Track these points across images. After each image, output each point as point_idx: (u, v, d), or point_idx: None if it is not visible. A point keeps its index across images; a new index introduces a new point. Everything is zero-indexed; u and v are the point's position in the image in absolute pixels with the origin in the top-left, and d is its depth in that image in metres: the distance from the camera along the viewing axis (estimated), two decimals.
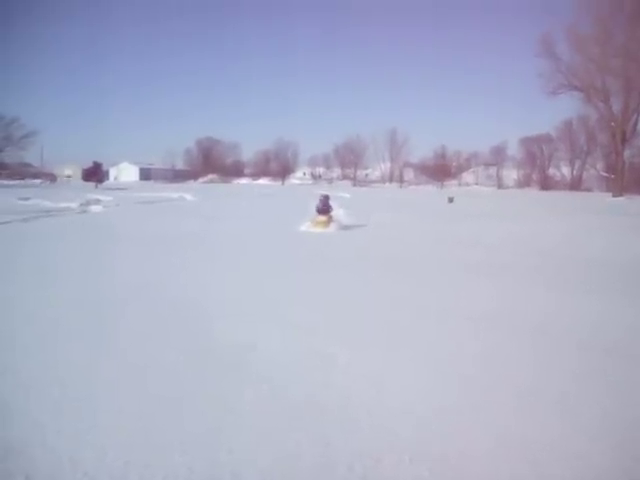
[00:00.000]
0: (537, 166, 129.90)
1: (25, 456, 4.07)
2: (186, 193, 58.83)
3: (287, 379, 5.56)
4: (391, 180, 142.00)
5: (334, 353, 6.35)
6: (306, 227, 21.81)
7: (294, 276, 11.79)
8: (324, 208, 22.88)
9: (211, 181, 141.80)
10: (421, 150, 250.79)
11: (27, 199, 43.21)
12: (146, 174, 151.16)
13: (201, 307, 8.73)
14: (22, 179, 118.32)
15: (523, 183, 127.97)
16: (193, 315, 8.19)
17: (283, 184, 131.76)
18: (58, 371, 5.70)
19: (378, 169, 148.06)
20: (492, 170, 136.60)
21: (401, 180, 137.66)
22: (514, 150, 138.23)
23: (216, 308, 8.69)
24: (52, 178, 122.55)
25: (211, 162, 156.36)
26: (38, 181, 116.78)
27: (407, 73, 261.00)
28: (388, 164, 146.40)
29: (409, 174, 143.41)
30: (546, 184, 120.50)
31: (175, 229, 21.80)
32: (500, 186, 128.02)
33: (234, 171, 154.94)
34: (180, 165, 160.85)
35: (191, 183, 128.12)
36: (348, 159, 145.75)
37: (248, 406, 4.96)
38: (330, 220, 22.42)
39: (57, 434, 4.38)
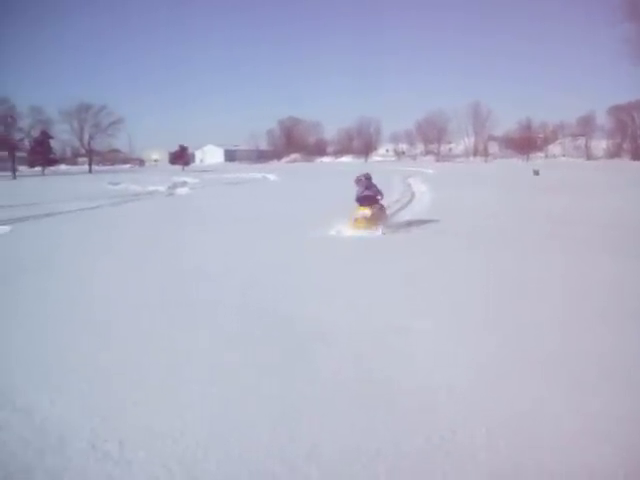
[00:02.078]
0: (628, 135, 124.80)
1: None
2: (269, 173, 59.36)
3: None
4: (475, 154, 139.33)
5: None
6: (337, 230, 14.37)
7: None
8: (366, 196, 14.99)
9: (294, 160, 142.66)
10: (505, 123, 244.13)
11: (117, 184, 44.49)
12: (231, 155, 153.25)
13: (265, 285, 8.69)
14: (112, 165, 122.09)
15: (613, 153, 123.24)
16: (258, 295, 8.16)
17: (366, 161, 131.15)
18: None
19: (462, 143, 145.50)
20: (580, 141, 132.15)
21: (485, 154, 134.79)
22: (603, 120, 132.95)
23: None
24: (140, 163, 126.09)
25: (293, 142, 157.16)
26: (127, 166, 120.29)
27: (489, 44, 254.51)
28: (472, 138, 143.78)
29: (493, 147, 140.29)
30: (638, 154, 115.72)
31: (259, 209, 21.94)
32: (589, 157, 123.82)
33: (317, 150, 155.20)
34: (263, 146, 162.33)
35: (274, 163, 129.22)
36: (431, 134, 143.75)
37: None
38: (379, 214, 14.89)
39: None
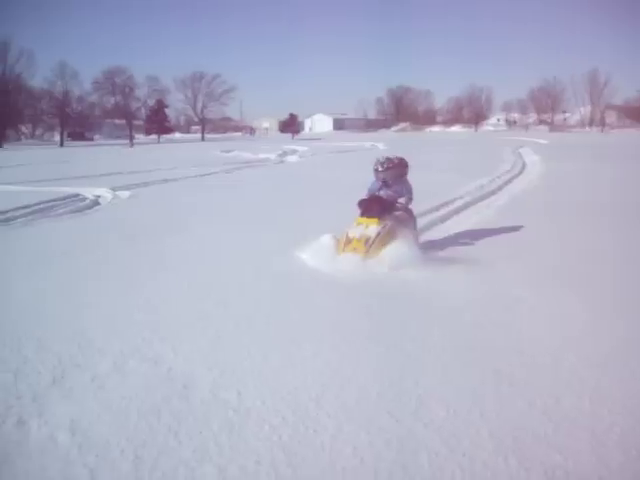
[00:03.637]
0: None
1: None
2: (378, 142, 59.12)
3: None
4: (591, 124, 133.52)
5: None
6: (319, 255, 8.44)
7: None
8: (377, 200, 9.05)
9: (403, 130, 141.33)
10: (625, 91, 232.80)
11: (229, 151, 45.54)
12: (339, 124, 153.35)
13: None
14: (224, 132, 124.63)
15: None
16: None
17: (476, 131, 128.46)
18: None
19: (577, 113, 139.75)
20: None
21: (602, 124, 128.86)
22: None
23: None
24: (251, 131, 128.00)
25: (403, 110, 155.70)
26: (238, 134, 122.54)
27: (609, 6, 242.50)
28: (588, 107, 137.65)
29: (611, 117, 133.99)
30: None
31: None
32: None
33: (426, 119, 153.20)
34: (372, 114, 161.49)
35: (383, 132, 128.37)
36: (545, 103, 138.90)
37: None
38: (394, 232, 8.54)
39: None
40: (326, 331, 5.64)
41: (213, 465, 3.57)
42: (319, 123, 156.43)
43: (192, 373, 4.79)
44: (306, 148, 48.70)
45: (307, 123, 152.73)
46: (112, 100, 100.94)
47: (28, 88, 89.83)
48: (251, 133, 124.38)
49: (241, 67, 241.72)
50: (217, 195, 17.76)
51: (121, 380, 4.72)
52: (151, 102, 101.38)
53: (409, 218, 9.26)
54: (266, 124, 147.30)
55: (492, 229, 11.25)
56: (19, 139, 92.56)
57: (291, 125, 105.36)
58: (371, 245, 8.27)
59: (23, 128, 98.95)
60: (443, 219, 12.61)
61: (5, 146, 74.10)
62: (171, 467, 3.56)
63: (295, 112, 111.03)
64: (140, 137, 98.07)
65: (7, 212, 14.46)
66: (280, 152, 42.13)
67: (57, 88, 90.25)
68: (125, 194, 18.27)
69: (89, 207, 16.13)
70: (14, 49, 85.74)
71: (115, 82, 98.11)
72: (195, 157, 38.45)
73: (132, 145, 77.03)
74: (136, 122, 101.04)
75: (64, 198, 17.19)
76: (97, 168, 28.56)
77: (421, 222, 11.40)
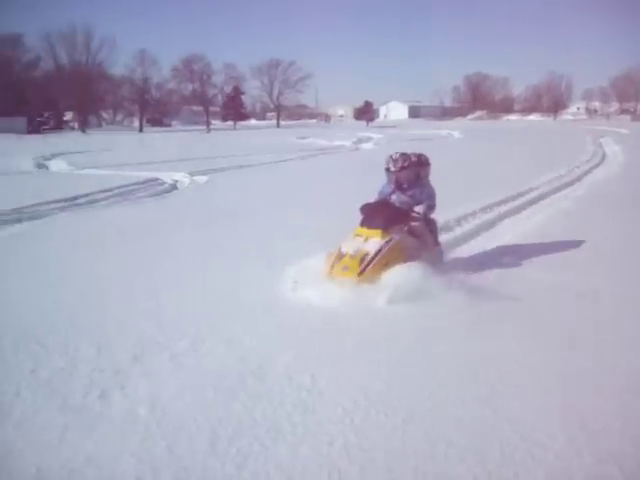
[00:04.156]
0: None
1: None
2: (454, 130, 58.44)
3: None
4: None
5: None
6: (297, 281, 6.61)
7: None
8: (386, 207, 7.31)
9: (479, 118, 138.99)
10: None
11: (304, 138, 45.78)
12: (415, 112, 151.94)
13: None
14: (299, 119, 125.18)
15: None
16: None
17: (555, 120, 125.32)
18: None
19: None
20: None
21: None
22: None
23: None
24: (326, 118, 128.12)
25: (479, 98, 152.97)
26: (313, 121, 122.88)
27: None
28: None
29: None
30: None
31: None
32: None
33: (503, 107, 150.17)
34: (448, 102, 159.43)
35: (459, 120, 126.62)
36: (628, 91, 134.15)
37: None
38: (403, 251, 6.79)
39: None
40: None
41: (286, 444, 3.68)
42: (394, 110, 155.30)
43: (268, 355, 4.91)
44: (381, 136, 48.57)
45: (382, 110, 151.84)
46: (190, 87, 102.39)
47: (109, 75, 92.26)
48: (326, 120, 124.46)
49: (317, 54, 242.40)
50: (290, 181, 17.94)
51: (198, 359, 4.90)
52: (228, 89, 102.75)
53: (426, 232, 7.39)
54: (341, 111, 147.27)
55: (568, 230, 10.07)
56: (100, 125, 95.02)
57: (366, 112, 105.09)
58: (368, 265, 6.46)
59: (104, 114, 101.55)
60: (511, 212, 12.10)
61: (88, 131, 76.30)
62: (246, 444, 3.68)
63: (370, 99, 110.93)
64: (216, 123, 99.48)
65: (90, 195, 14.99)
66: (355, 139, 42.14)
67: (137, 75, 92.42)
68: (202, 179, 18.66)
69: (167, 191, 16.56)
70: (97, 38, 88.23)
71: (193, 69, 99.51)
72: (270, 144, 38.82)
73: (209, 131, 78.30)
74: (213, 109, 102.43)
75: (144, 182, 17.69)
76: (175, 153, 29.20)
77: (488, 217, 11.24)
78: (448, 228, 10.00)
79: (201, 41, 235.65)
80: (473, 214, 11.40)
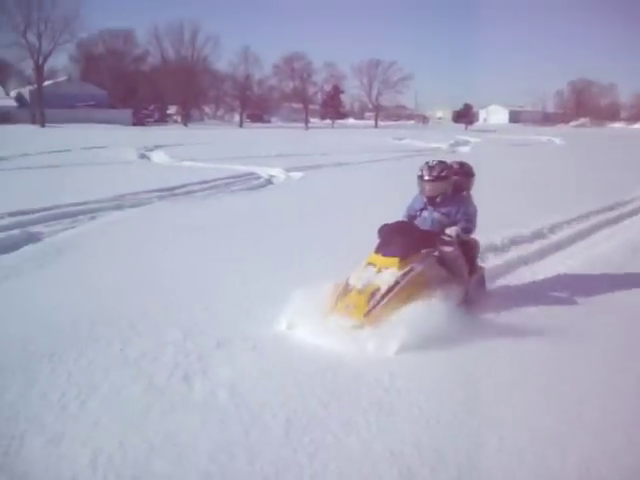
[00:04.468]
0: None
1: None
2: (555, 137, 56.96)
3: None
4: None
5: None
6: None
7: None
8: (402, 231, 6.01)
9: (582, 125, 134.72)
10: None
11: (401, 139, 45.66)
12: (515, 116, 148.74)
13: None
14: (396, 120, 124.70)
15: None
16: None
17: None
18: None
19: None
20: None
21: None
22: None
23: None
24: (424, 120, 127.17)
25: (583, 104, 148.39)
26: (411, 122, 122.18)
27: None
28: None
29: None
30: None
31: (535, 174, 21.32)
32: None
33: (608, 114, 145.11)
34: (550, 108, 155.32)
35: (561, 127, 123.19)
36: None
37: None
38: (428, 281, 5.64)
39: None
40: None
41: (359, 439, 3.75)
42: (494, 114, 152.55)
43: (344, 349, 4.99)
44: (479, 139, 47.84)
45: (481, 114, 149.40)
46: (290, 84, 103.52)
47: (213, 71, 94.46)
48: (424, 122, 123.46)
49: (418, 55, 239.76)
50: (383, 180, 17.95)
51: (280, 350, 5.03)
52: (327, 87, 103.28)
53: (460, 260, 6.07)
54: (440, 113, 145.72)
55: None
56: (202, 119, 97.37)
57: (465, 115, 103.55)
58: (378, 303, 5.30)
59: (206, 109, 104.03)
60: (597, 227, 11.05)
61: (190, 125, 78.36)
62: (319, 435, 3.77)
63: (470, 102, 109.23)
64: (315, 121, 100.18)
65: (188, 185, 15.48)
66: (452, 142, 41.71)
67: (239, 72, 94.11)
68: (297, 175, 18.91)
69: (262, 185, 16.90)
70: (202, 34, 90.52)
71: (294, 67, 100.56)
72: (367, 143, 38.86)
73: (307, 129, 78.92)
74: (312, 107, 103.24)
75: (240, 176, 18.11)
76: (273, 149, 29.63)
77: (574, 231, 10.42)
78: (520, 241, 9.37)
79: (302, 39, 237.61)
80: (559, 226, 10.65)
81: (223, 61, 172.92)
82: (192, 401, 4.15)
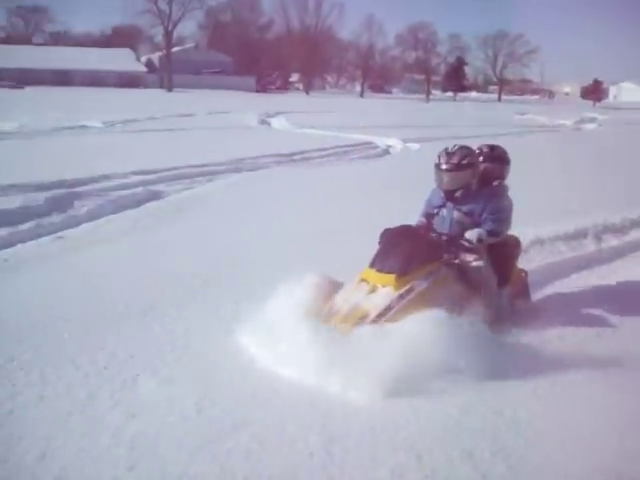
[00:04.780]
0: None
1: None
2: None
3: None
4: None
5: None
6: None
7: None
8: (404, 239, 4.80)
9: None
10: None
11: (523, 114, 44.40)
12: None
13: None
14: (520, 94, 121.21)
15: None
16: None
17: None
18: None
19: None
20: None
21: None
22: None
23: None
24: (550, 94, 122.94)
25: None
26: (536, 97, 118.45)
27: None
28: None
29: None
30: None
31: None
32: None
33: None
34: None
35: None
36: None
37: None
38: (436, 297, 4.42)
39: None
40: None
41: None
42: (626, 92, 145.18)
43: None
44: (606, 117, 45.75)
45: (612, 91, 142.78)
46: (413, 55, 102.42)
47: (336, 40, 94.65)
48: (549, 97, 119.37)
49: (546, 27, 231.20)
50: None
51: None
52: (451, 59, 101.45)
53: (487, 272, 4.97)
54: (567, 89, 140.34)
55: None
56: (323, 88, 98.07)
57: (594, 92, 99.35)
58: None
59: (328, 77, 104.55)
60: None
61: (311, 93, 79.06)
62: None
63: (600, 78, 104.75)
64: (436, 93, 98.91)
65: (306, 152, 15.74)
66: (577, 119, 40.13)
67: (362, 41, 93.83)
68: (415, 146, 18.79)
69: (379, 155, 16.96)
70: (327, 2, 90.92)
71: (418, 37, 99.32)
72: (488, 117, 37.99)
73: (428, 101, 78.01)
74: (434, 78, 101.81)
75: (358, 145, 18.23)
76: (392, 120, 29.53)
77: None
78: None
79: (428, 9, 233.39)
80: None
81: (347, 30, 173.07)
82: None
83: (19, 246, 7.01)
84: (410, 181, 11.90)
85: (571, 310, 5.35)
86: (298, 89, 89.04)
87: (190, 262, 6.33)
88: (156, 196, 10.03)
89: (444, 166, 4.90)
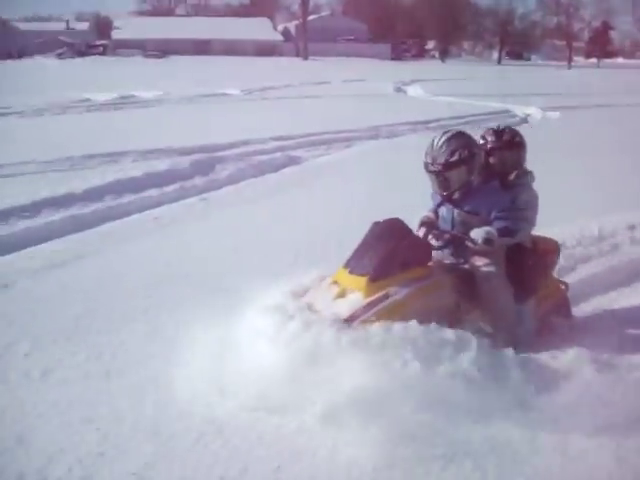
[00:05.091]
0: None
1: None
2: None
3: None
4: None
5: None
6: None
7: None
8: (385, 237, 3.92)
9: None
10: None
11: None
12: None
13: None
14: None
15: None
16: None
17: None
18: None
19: None
20: None
21: None
22: None
23: None
24: None
25: None
26: None
27: None
28: None
29: None
30: None
31: None
32: None
33: None
34: None
35: None
36: None
37: None
38: (422, 308, 3.64)
39: None
40: None
41: None
42: None
43: None
44: None
45: None
46: (554, 20, 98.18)
47: (474, 5, 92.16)
48: None
49: None
50: None
51: None
52: (596, 23, 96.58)
53: (497, 282, 4.02)
54: None
55: None
56: (459, 55, 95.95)
57: None
58: None
59: (465, 44, 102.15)
60: None
61: (446, 61, 77.71)
62: None
63: None
64: (578, 60, 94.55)
65: (441, 120, 15.63)
66: None
67: (502, 6, 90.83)
68: (555, 115, 18.17)
69: (517, 124, 16.45)
70: None
71: (560, 1, 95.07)
72: (636, 82, 36.04)
73: (570, 67, 74.90)
74: (576, 44, 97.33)
75: (495, 113, 17.86)
76: (531, 88, 28.59)
77: None
78: None
79: None
80: None
81: None
82: None
83: (167, 206, 7.48)
84: (552, 151, 11.63)
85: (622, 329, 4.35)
86: (434, 57, 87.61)
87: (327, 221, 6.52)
88: (294, 161, 10.34)
89: (431, 168, 4.03)
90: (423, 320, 3.42)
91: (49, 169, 9.32)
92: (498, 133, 4.39)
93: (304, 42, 69.15)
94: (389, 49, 78.81)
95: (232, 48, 68.25)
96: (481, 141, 4.33)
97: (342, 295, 3.68)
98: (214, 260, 5.47)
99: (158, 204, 7.60)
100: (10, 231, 6.51)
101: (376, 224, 3.97)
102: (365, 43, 78.97)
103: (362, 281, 3.65)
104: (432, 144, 4.02)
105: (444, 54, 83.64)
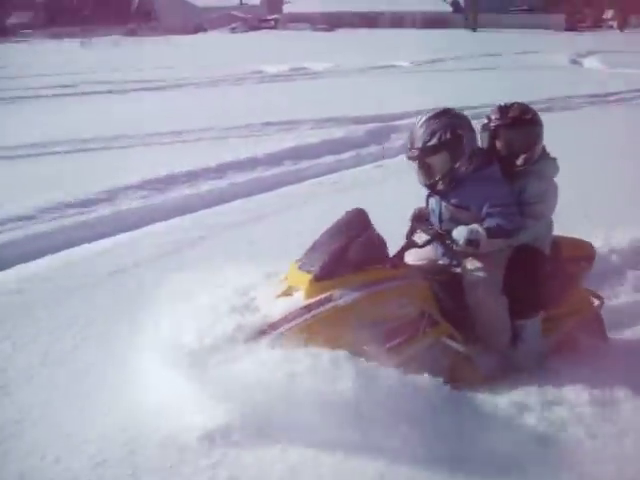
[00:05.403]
0: None
1: None
2: None
3: None
4: None
5: None
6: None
7: None
8: (348, 228, 3.51)
9: None
10: None
11: None
12: None
13: None
14: None
15: None
16: None
17: None
18: None
19: None
20: None
21: None
22: None
23: None
24: None
25: None
26: None
27: None
28: None
29: None
30: None
31: None
32: None
33: None
34: None
35: None
36: None
37: None
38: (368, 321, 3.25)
39: None
40: None
41: None
42: None
43: None
44: None
45: None
46: None
47: None
48: None
49: None
50: None
51: None
52: None
53: (486, 291, 3.45)
54: None
55: None
56: None
57: None
58: None
59: None
60: None
61: (626, 31, 73.27)
62: None
63: None
64: None
65: (620, 93, 14.99)
66: None
67: None
68: None
69: None
70: None
71: None
72: None
73: None
74: None
75: None
76: None
77: None
78: None
79: None
80: None
81: None
82: None
83: (344, 172, 7.82)
84: None
85: None
86: (611, 27, 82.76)
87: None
88: None
89: (409, 153, 3.57)
90: (370, 331, 3.08)
91: (230, 135, 9.98)
92: (503, 109, 3.76)
93: (474, 13, 67.63)
94: (563, 19, 75.40)
95: (400, 20, 67.95)
96: (485, 120, 3.80)
97: (289, 293, 3.33)
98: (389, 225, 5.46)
99: (335, 170, 7.95)
100: (196, 191, 7.12)
101: (346, 213, 3.58)
102: (538, 13, 76.04)
103: (306, 279, 3.27)
104: (414, 128, 3.56)
105: (623, 24, 78.82)
